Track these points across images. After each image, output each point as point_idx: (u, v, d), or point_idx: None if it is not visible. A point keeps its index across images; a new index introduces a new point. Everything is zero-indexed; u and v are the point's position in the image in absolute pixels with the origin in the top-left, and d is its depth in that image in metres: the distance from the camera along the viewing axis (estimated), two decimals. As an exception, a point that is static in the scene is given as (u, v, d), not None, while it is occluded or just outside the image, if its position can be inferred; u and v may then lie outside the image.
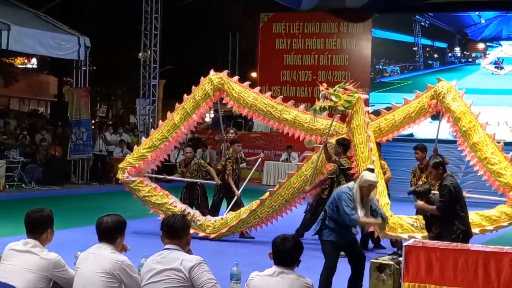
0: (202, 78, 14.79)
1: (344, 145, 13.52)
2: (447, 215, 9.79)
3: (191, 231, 11.24)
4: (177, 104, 15.04)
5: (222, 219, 14.54)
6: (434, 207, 9.92)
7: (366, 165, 12.35)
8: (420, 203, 10.22)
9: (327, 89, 13.44)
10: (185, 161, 15.73)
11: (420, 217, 11.46)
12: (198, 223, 14.40)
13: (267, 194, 14.35)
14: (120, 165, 15.17)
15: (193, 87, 14.83)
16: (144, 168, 15.04)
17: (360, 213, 9.28)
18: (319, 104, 13.35)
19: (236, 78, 14.96)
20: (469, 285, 7.57)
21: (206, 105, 14.82)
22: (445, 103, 13.05)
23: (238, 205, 14.93)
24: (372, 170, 9.49)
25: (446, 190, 9.83)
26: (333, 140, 13.76)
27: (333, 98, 13.20)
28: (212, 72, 14.84)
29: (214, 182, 15.37)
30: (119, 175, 15.05)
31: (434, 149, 14.09)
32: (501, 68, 27.76)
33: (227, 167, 15.23)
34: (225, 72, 15.01)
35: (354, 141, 13.23)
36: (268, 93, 14.75)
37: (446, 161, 13.62)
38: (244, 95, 14.45)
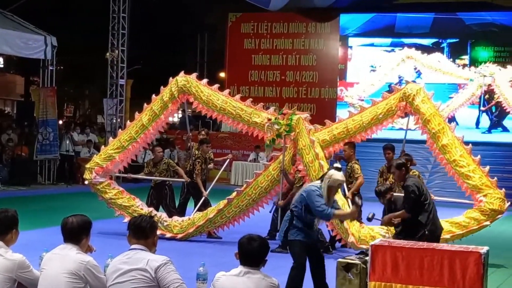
0: (170, 78, 14.74)
1: (352, 145, 13.95)
2: (411, 217, 9.86)
3: (158, 232, 11.25)
4: (145, 104, 14.97)
5: (189, 219, 14.50)
6: (401, 212, 10.03)
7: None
8: (386, 217, 10.35)
9: (270, 120, 13.70)
10: (154, 161, 15.65)
11: (392, 228, 11.47)
12: (165, 223, 14.35)
13: (234, 193, 14.34)
14: (87, 166, 15.05)
15: (162, 87, 14.78)
16: (111, 169, 14.96)
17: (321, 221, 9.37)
18: (268, 138, 13.71)
19: (205, 80, 14.92)
20: (435, 284, 7.62)
21: (173, 106, 14.79)
22: (414, 105, 13.10)
23: (205, 205, 14.91)
24: (339, 169, 9.49)
25: (410, 189, 9.91)
26: None
27: (276, 126, 13.46)
28: (181, 73, 14.78)
29: (183, 180, 15.32)
30: (86, 176, 14.93)
31: (402, 150, 14.17)
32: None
33: (196, 167, 15.20)
34: (194, 74, 14.94)
35: (304, 161, 13.30)
36: (237, 96, 14.71)
37: (414, 162, 13.76)
38: (213, 98, 14.40)
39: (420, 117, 13.12)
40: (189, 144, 16.06)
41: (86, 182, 15.19)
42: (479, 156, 12.88)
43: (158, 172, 15.44)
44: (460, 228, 12.57)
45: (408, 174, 10.21)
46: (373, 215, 10.43)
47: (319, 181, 9.48)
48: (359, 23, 29.59)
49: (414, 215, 9.90)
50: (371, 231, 12.51)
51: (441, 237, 10.85)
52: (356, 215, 10.20)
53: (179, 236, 14.29)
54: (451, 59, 27.92)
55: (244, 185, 14.50)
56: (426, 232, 9.69)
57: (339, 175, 9.28)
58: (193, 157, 15.57)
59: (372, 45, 29.67)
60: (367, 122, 13.70)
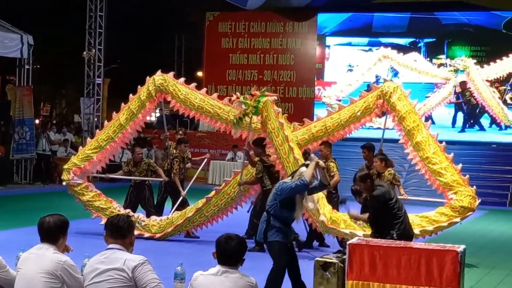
0: (147, 77, 14.70)
1: (261, 144, 13.79)
2: (380, 224, 9.87)
3: (136, 232, 11.19)
4: (122, 104, 14.92)
5: (167, 218, 14.47)
6: (366, 216, 10.08)
7: (291, 165, 12.59)
8: (352, 213, 10.39)
9: (238, 97, 13.65)
10: (134, 161, 15.57)
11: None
12: (143, 223, 14.31)
13: (213, 192, 14.34)
14: (65, 166, 14.96)
15: (139, 87, 14.74)
16: (89, 169, 14.89)
17: (299, 211, 9.38)
18: (235, 116, 13.66)
19: (182, 79, 14.90)
20: (412, 283, 7.66)
21: (151, 104, 14.75)
22: (390, 102, 13.13)
23: (183, 205, 14.87)
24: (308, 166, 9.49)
25: (373, 201, 9.92)
26: None
27: (243, 106, 13.42)
28: (158, 72, 14.75)
29: (162, 179, 15.27)
30: (64, 176, 14.84)
31: (379, 149, 14.19)
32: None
33: (174, 166, 15.17)
34: (171, 73, 14.91)
35: (274, 144, 13.29)
36: (215, 95, 14.70)
37: (390, 163, 13.77)
38: (190, 97, 14.39)
39: (395, 114, 13.15)
40: (166, 143, 16.00)
41: (64, 183, 15.07)
42: (452, 154, 12.91)
43: (138, 172, 15.36)
44: (430, 222, 12.49)
45: (375, 184, 10.17)
46: (346, 200, 10.78)
47: (290, 178, 9.54)
48: (337, 22, 29.71)
49: (383, 224, 9.87)
50: (343, 216, 12.46)
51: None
52: (318, 163, 9.88)
53: (158, 235, 14.26)
54: (428, 59, 28.08)
55: (223, 184, 14.49)
56: (395, 236, 9.64)
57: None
58: (170, 157, 15.52)
59: (349, 44, 29.81)
60: (345, 120, 13.70)
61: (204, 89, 14.96)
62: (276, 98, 14.08)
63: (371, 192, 9.92)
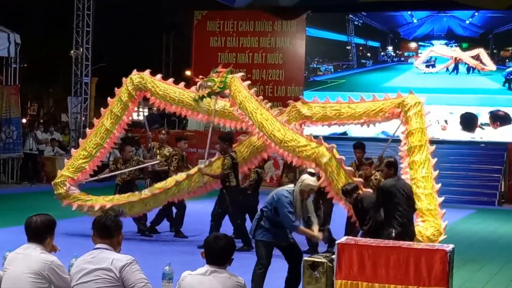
0: (123, 78, 14.67)
1: (229, 139, 13.97)
2: (380, 219, 9.88)
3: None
4: (102, 109, 14.87)
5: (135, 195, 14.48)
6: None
7: (270, 123, 12.84)
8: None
9: (202, 78, 13.73)
10: (124, 159, 15.31)
11: None
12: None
13: (184, 176, 14.32)
14: (56, 181, 14.70)
15: (116, 89, 14.70)
16: (82, 179, 14.80)
17: (300, 221, 9.38)
18: (197, 94, 13.76)
19: (159, 76, 14.87)
20: (401, 282, 7.65)
21: (133, 105, 14.74)
22: (407, 115, 13.13)
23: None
24: (313, 174, 9.53)
25: (378, 192, 9.96)
26: None
27: (209, 83, 13.51)
28: (134, 71, 14.73)
29: (157, 161, 15.13)
30: (59, 190, 14.56)
31: (381, 156, 14.14)
32: (433, 66, 28.21)
33: (173, 163, 15.08)
34: (147, 71, 14.89)
35: (248, 110, 13.19)
36: (193, 88, 14.60)
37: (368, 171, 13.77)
38: (169, 91, 14.42)
39: (407, 128, 13.13)
40: (150, 144, 15.89)
41: (58, 197, 14.77)
42: (439, 185, 12.78)
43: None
44: None
45: (396, 175, 10.25)
46: (342, 188, 11.00)
47: (292, 185, 9.58)
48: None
49: (384, 218, 9.89)
50: None
51: None
52: (318, 241, 10.13)
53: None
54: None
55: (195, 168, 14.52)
56: (393, 234, 9.64)
57: (311, 180, 9.35)
58: (155, 157, 15.37)
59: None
60: (359, 114, 13.70)
61: (193, 88, 14.91)
62: (243, 74, 14.16)
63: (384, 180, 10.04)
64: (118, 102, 14.50)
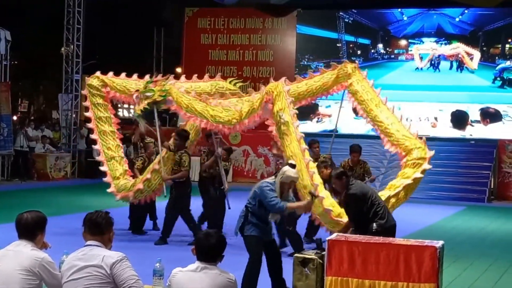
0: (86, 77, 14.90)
1: (186, 136, 14.01)
2: (361, 219, 9.88)
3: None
4: (87, 124, 14.94)
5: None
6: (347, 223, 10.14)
7: (224, 115, 13.12)
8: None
9: (138, 91, 13.78)
10: (148, 156, 15.06)
11: None
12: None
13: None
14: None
15: (83, 92, 14.81)
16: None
17: (274, 215, 9.35)
18: (137, 108, 13.77)
19: (111, 73, 14.96)
20: (391, 279, 7.67)
21: (106, 100, 14.76)
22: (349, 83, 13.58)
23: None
24: (293, 166, 9.50)
25: (351, 199, 9.93)
26: None
27: (147, 94, 13.48)
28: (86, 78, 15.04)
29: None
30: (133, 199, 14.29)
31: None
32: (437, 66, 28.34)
33: (137, 163, 15.00)
34: (98, 72, 15.00)
35: (198, 111, 13.34)
36: (146, 76, 14.64)
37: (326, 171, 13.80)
38: (126, 84, 14.55)
39: (349, 90, 13.53)
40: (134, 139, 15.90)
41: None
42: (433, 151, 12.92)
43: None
44: (393, 188, 12.37)
45: (351, 181, 10.16)
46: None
47: (273, 177, 9.58)
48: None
49: (364, 220, 9.88)
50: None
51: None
52: (311, 207, 10.12)
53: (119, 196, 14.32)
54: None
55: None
56: (374, 226, 9.63)
57: (292, 172, 9.33)
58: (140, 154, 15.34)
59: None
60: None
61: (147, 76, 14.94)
62: (175, 81, 14.20)
63: (347, 190, 9.94)
64: (97, 108, 14.55)
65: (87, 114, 15.02)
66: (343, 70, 13.74)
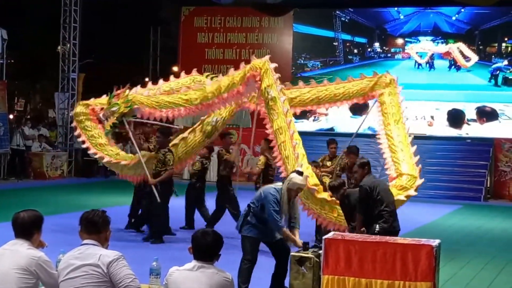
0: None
1: (168, 134, 14.28)
2: (368, 216, 9.91)
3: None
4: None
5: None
6: (358, 219, 10.10)
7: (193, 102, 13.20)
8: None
9: (102, 109, 13.86)
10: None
11: None
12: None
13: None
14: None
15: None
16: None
17: (284, 218, 9.37)
18: (107, 125, 13.77)
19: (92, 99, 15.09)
20: (387, 277, 7.67)
21: (96, 123, 14.76)
22: (381, 93, 13.99)
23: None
24: (301, 173, 9.54)
25: (361, 191, 9.99)
26: None
27: (113, 109, 13.43)
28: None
29: None
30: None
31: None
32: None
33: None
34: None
35: (170, 103, 13.44)
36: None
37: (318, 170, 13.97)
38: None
39: (379, 100, 13.93)
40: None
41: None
42: (418, 157, 13.15)
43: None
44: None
45: (368, 175, 10.26)
46: (329, 184, 11.16)
47: (280, 183, 9.64)
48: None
49: (369, 216, 9.92)
50: None
51: None
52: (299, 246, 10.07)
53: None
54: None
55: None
56: (377, 228, 9.68)
57: (298, 179, 9.37)
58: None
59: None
60: (338, 95, 14.29)
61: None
62: (136, 88, 14.22)
63: (361, 181, 10.05)
64: (86, 130, 14.61)
65: (80, 141, 14.99)
66: (382, 79, 14.11)
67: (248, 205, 9.53)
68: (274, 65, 13.36)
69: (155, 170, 13.77)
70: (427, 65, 28.36)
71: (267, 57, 13.55)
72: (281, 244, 9.61)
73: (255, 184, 14.34)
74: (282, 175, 12.56)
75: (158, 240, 13.55)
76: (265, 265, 9.77)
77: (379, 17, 29.50)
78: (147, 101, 13.47)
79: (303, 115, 26.25)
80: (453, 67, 27.99)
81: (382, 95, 13.91)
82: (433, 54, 28.29)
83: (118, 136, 25.02)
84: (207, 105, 13.45)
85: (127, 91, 13.59)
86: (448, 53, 28.04)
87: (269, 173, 14.38)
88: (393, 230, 9.89)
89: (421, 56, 28.48)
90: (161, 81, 14.84)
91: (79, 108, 14.71)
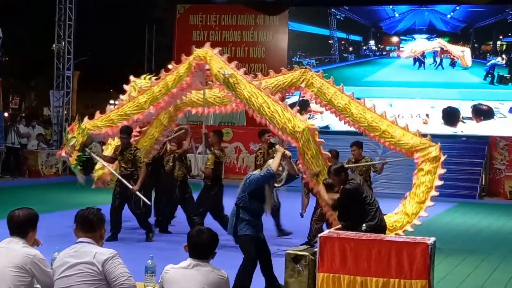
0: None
1: (129, 132, 13.79)
2: (352, 218, 9.92)
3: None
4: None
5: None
6: (332, 199, 10.16)
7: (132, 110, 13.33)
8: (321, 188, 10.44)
9: (62, 148, 14.10)
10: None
11: None
12: None
13: None
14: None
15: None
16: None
17: (268, 203, 9.35)
18: (72, 161, 13.84)
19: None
20: (383, 275, 7.68)
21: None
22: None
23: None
24: None
25: (344, 194, 10.00)
26: None
27: (72, 143, 13.64)
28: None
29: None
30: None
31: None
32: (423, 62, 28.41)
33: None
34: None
35: (124, 114, 13.57)
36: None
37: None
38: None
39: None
40: None
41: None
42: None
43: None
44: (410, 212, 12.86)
45: (349, 178, 10.22)
46: (323, 182, 11.00)
47: (258, 170, 9.66)
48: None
49: (356, 217, 9.92)
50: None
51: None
52: (284, 153, 9.87)
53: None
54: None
55: None
56: (364, 227, 9.69)
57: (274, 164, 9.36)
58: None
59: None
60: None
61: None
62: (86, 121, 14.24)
63: (344, 185, 9.99)
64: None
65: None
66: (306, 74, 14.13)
67: (236, 204, 9.33)
68: (217, 49, 13.49)
69: (127, 171, 13.54)
70: (418, 62, 28.41)
71: (207, 44, 13.69)
72: (264, 244, 9.51)
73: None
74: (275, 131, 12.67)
75: (149, 238, 13.48)
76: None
77: (374, 15, 29.51)
78: (101, 123, 13.68)
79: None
80: (439, 64, 28.05)
81: (310, 84, 14.00)
82: (423, 53, 28.32)
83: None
84: (158, 104, 13.51)
85: (78, 122, 13.79)
86: (443, 51, 28.07)
87: (219, 169, 14.04)
88: (381, 224, 9.94)
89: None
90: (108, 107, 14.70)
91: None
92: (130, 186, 13.34)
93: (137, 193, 13.42)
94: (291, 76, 14.37)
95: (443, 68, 27.99)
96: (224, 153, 14.18)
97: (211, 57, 13.10)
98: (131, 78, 15.27)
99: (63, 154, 13.88)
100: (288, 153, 9.55)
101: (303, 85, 14.11)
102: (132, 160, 13.47)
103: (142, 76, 15.25)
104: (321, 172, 11.70)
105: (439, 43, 28.04)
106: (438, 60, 28.16)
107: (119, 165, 13.76)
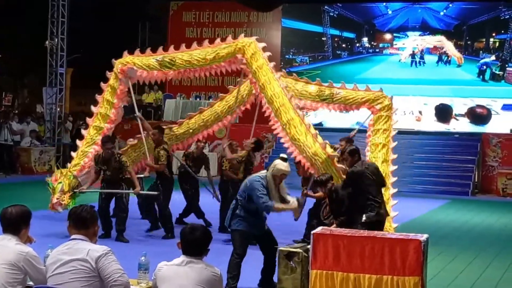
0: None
1: (112, 141, 14.36)
2: (353, 206, 9.95)
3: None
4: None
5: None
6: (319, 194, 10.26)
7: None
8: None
9: (52, 201, 14.20)
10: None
11: None
12: None
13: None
14: (68, 170, 14.41)
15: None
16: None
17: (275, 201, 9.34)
18: (66, 204, 14.01)
19: None
20: (376, 272, 7.69)
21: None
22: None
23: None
24: (285, 159, 9.51)
25: (347, 177, 10.10)
26: None
27: (61, 188, 14.06)
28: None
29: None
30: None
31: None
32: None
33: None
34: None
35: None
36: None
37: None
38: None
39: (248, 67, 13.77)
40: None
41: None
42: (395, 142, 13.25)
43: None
44: None
45: (360, 161, 10.34)
46: (315, 179, 11.29)
47: (265, 171, 9.57)
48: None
49: (354, 204, 9.97)
50: None
51: None
52: (299, 213, 10.13)
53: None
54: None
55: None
56: (364, 218, 9.74)
57: (283, 166, 9.33)
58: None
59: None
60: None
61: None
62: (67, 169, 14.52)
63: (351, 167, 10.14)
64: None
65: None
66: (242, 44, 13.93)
67: (236, 198, 9.50)
68: (263, 44, 13.75)
69: (113, 179, 13.51)
70: (412, 61, 28.48)
71: (253, 38, 13.90)
72: (267, 236, 9.59)
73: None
74: (283, 142, 12.74)
75: (121, 238, 13.23)
76: (254, 260, 9.76)
77: (368, 12, 29.54)
78: (77, 160, 14.30)
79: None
80: (439, 61, 28.12)
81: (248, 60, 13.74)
82: (420, 50, 28.38)
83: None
84: (111, 119, 14.38)
85: (58, 171, 14.38)
86: (436, 48, 28.13)
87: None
88: (379, 219, 9.97)
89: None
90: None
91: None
92: (133, 191, 13.47)
93: (141, 192, 13.82)
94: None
95: (447, 65, 28.04)
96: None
97: (255, 52, 13.48)
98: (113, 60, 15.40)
99: (56, 205, 14.06)
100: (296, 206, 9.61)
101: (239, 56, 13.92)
102: (119, 167, 13.41)
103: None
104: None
105: (439, 40, 28.06)
106: (436, 57, 28.22)
107: (103, 173, 13.58)
